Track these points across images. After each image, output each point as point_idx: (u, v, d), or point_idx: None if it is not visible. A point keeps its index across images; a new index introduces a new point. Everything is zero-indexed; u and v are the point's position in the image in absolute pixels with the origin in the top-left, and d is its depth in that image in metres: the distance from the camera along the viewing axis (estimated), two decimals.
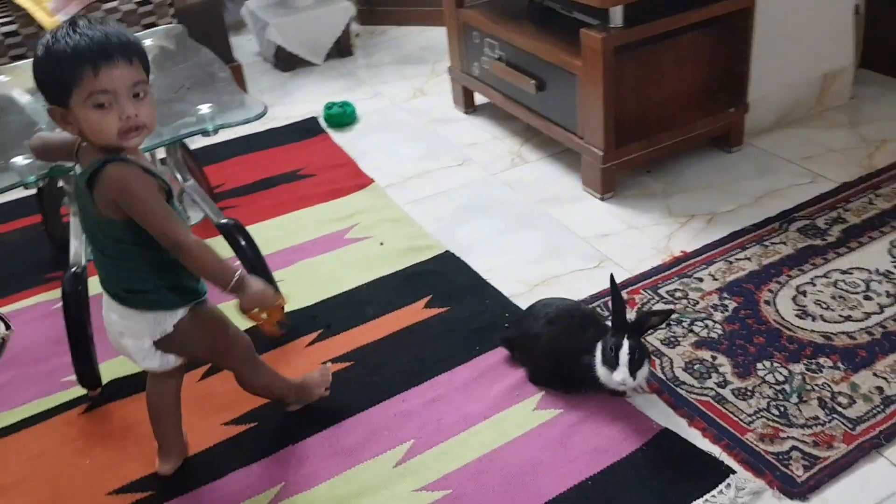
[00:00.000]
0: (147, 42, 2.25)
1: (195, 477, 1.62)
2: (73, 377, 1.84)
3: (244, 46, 3.77)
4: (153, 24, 2.88)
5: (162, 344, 1.45)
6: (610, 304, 1.95)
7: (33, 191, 2.37)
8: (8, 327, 0.72)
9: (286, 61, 3.48)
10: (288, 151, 2.82)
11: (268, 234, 2.33)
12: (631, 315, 1.93)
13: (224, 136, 2.93)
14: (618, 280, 2.03)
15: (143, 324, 1.42)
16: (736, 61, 2.47)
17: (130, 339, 1.44)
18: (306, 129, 2.95)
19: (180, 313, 1.44)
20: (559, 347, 1.70)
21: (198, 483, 1.61)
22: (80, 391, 1.85)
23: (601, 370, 1.62)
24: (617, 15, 2.19)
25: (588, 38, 2.20)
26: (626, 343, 1.58)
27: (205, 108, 1.77)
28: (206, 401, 1.78)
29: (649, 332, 1.78)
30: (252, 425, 1.72)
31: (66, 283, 1.79)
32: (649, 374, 1.67)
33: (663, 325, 1.88)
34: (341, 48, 3.58)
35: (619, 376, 1.58)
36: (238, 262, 1.95)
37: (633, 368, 1.57)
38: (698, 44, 2.43)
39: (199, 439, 1.69)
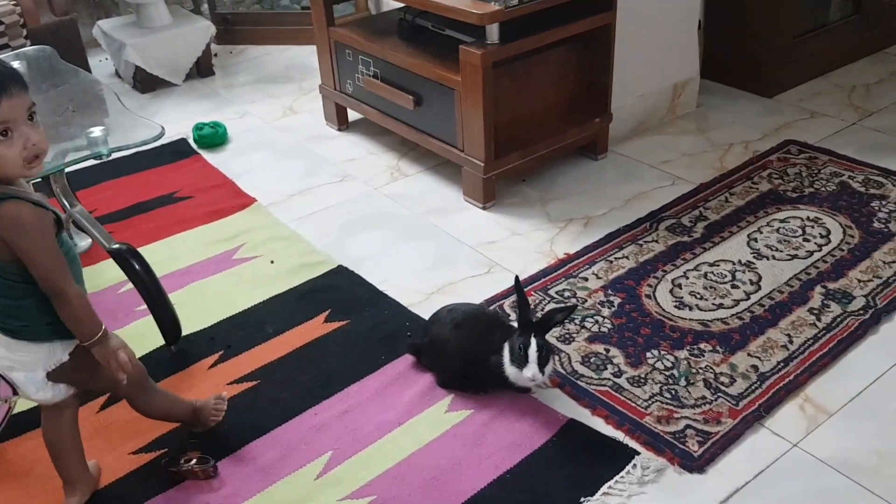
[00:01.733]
0: (15, 64, 2.12)
1: None
2: None
3: (98, 67, 3.61)
4: (6, 46, 2.72)
5: (55, 374, 1.40)
6: (507, 305, 2.05)
7: None
8: (15, 392, 0.69)
9: (145, 82, 3.37)
10: (160, 174, 2.74)
11: (151, 259, 2.20)
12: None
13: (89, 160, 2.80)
14: (509, 284, 2.14)
15: (37, 355, 1.37)
16: (599, 74, 2.64)
17: (22, 373, 1.37)
18: (177, 151, 2.88)
19: (75, 342, 1.39)
20: (467, 350, 1.76)
21: None
22: None
23: (510, 369, 1.69)
24: (493, 32, 2.29)
25: (467, 54, 2.29)
26: (533, 341, 1.66)
27: (97, 131, 1.70)
28: (109, 431, 1.71)
29: (555, 327, 1.85)
30: (162, 451, 1.66)
31: None
32: (553, 370, 1.76)
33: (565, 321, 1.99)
34: (202, 68, 3.51)
35: (528, 372, 1.66)
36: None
37: (542, 364, 1.66)
38: (566, 58, 2.58)
39: (107, 471, 1.63)
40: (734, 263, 2.20)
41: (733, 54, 3.17)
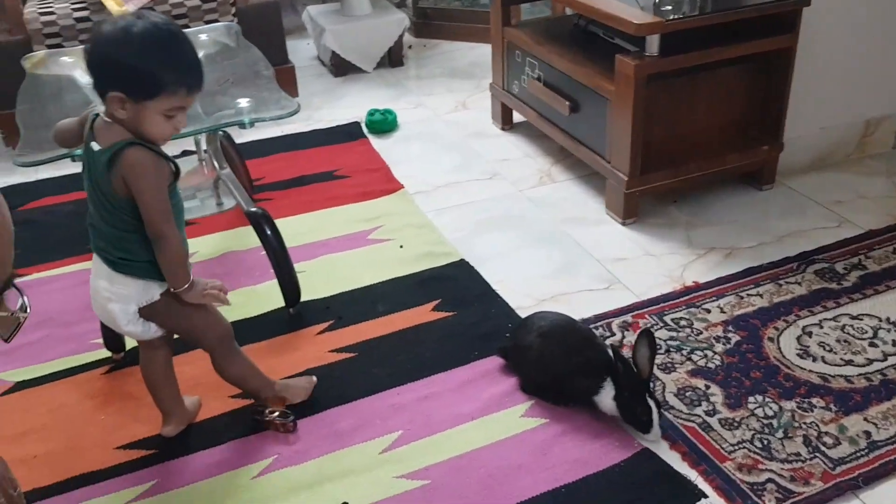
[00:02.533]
0: (203, 37, 2.39)
1: (196, 441, 1.72)
2: (100, 340, 1.96)
3: (303, 50, 3.91)
4: (215, 21, 3.02)
5: (146, 312, 1.55)
6: (616, 325, 2.01)
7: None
8: (25, 310, 0.81)
9: (339, 67, 3.60)
10: (328, 152, 2.93)
11: (297, 228, 2.44)
12: (631, 337, 1.97)
13: (270, 132, 3.07)
14: (625, 303, 2.10)
15: (133, 290, 1.52)
16: (773, 100, 2.49)
17: (118, 304, 1.53)
18: (348, 133, 3.06)
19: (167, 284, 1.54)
20: (548, 361, 1.75)
21: (198, 447, 1.71)
22: (104, 353, 1.98)
23: (608, 403, 1.68)
24: (653, 43, 2.23)
25: (622, 64, 2.25)
26: (652, 404, 1.65)
27: (244, 102, 1.89)
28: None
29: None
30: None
31: None
32: None
33: (662, 351, 1.92)
34: (393, 58, 3.69)
35: (653, 437, 1.67)
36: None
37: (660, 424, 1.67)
38: (735, 79, 2.46)
39: (207, 408, 1.80)
40: (880, 320, 2.01)
41: None
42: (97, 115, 1.46)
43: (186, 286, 1.51)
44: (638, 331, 1.99)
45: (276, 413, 1.73)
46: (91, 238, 1.55)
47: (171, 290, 1.52)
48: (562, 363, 1.74)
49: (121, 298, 1.53)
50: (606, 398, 1.69)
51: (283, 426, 1.72)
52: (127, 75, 1.36)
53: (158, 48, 1.36)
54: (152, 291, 1.54)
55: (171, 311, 1.57)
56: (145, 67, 1.35)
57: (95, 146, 1.43)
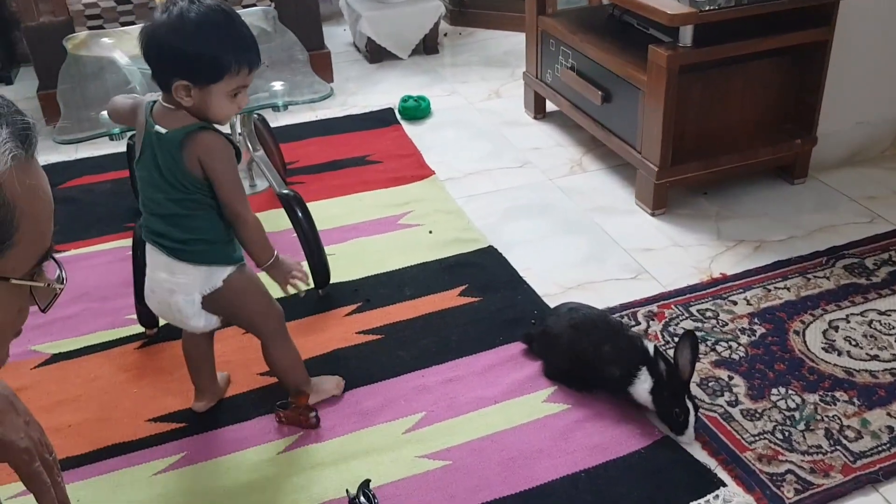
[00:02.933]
0: None
1: (225, 417, 1.77)
2: (135, 316, 2.01)
3: (339, 36, 3.95)
4: (252, 5, 3.07)
5: (208, 302, 1.56)
6: (641, 314, 2.02)
7: (124, 147, 2.58)
8: (62, 281, 0.84)
9: (374, 53, 3.63)
10: (361, 138, 2.96)
11: (329, 212, 2.48)
12: (656, 327, 1.98)
13: (305, 117, 3.11)
14: (651, 293, 2.11)
15: (195, 278, 1.53)
16: (807, 93, 2.47)
17: (182, 295, 1.53)
18: (381, 119, 3.09)
19: (229, 269, 1.56)
20: (578, 352, 1.77)
21: (226, 422, 1.76)
22: (139, 329, 2.03)
23: (644, 395, 1.68)
24: (686, 34, 2.23)
25: (655, 54, 2.25)
26: (690, 407, 1.64)
27: (278, 86, 1.92)
28: (248, 351, 1.91)
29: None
30: None
31: (137, 231, 1.97)
32: None
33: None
34: (427, 45, 3.71)
35: (686, 439, 1.66)
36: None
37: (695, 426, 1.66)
38: (768, 71, 2.44)
39: (236, 384, 1.85)
40: None
41: None
42: (153, 102, 1.48)
43: (272, 260, 1.56)
44: (663, 320, 2.00)
45: (300, 409, 1.75)
46: (146, 227, 1.55)
47: (258, 266, 1.57)
48: (593, 352, 1.74)
49: (183, 288, 1.53)
50: (642, 389, 1.68)
51: (305, 420, 1.73)
52: (189, 63, 1.37)
53: (216, 32, 1.37)
54: (214, 278, 1.54)
55: (233, 298, 1.58)
56: (206, 53, 1.37)
57: (161, 129, 1.44)
